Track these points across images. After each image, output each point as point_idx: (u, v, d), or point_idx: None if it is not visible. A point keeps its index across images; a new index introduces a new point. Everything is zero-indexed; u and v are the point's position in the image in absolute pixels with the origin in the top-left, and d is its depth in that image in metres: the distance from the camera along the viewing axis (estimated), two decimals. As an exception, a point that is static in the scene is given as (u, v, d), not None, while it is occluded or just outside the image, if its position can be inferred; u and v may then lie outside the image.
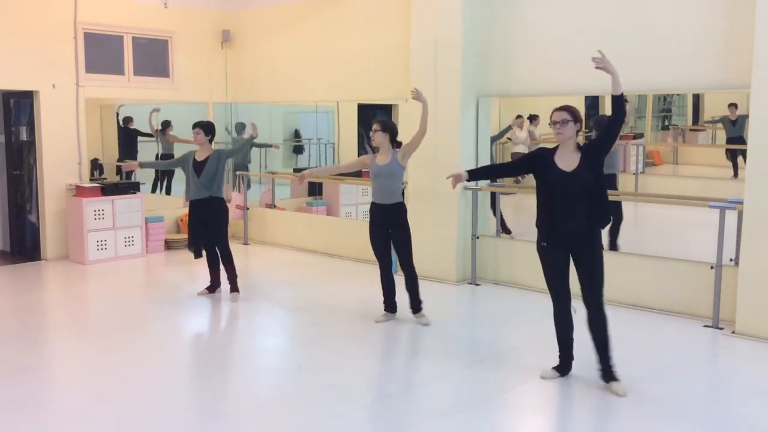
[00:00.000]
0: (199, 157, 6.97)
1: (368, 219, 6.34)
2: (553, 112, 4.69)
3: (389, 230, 6.18)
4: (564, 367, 4.94)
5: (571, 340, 4.91)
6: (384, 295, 6.36)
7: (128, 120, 10.41)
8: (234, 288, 7.17)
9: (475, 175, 5.22)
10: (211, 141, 7.10)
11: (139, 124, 10.51)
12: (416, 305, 6.25)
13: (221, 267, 7.22)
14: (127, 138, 10.46)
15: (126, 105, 10.36)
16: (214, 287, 7.26)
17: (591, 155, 4.63)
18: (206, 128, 7.06)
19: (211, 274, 7.26)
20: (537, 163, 4.79)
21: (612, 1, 6.75)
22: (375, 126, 6.13)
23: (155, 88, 9.83)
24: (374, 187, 6.18)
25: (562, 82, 7.08)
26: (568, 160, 4.63)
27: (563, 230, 4.68)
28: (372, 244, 6.25)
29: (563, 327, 4.87)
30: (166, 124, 10.62)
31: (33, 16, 8.60)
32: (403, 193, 6.59)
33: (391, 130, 6.14)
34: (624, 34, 6.63)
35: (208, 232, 7.07)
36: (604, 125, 4.79)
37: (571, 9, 6.99)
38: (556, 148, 4.75)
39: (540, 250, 4.82)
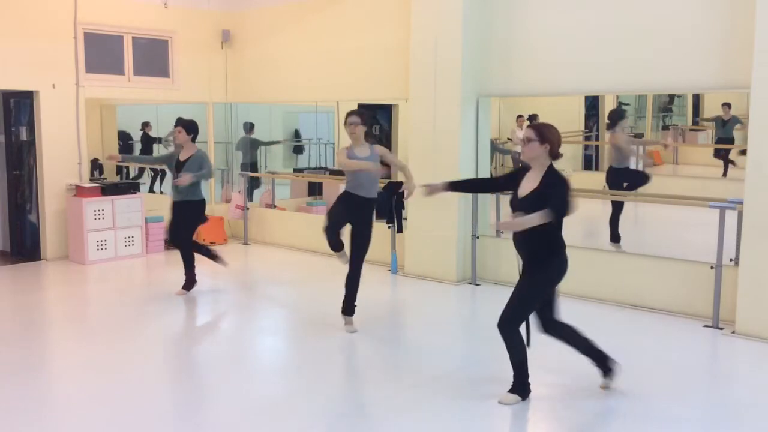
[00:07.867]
0: (182, 157, 6.92)
1: (337, 201, 6.00)
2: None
3: (355, 222, 5.90)
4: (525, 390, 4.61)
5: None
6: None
7: (146, 125, 10.40)
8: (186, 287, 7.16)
9: (456, 186, 4.92)
10: (193, 140, 7.01)
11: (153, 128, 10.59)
12: (352, 307, 6.05)
13: (196, 263, 7.22)
14: (146, 143, 10.52)
15: (124, 106, 10.39)
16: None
17: (546, 192, 4.23)
18: (187, 127, 6.98)
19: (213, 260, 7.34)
20: (511, 181, 4.51)
21: (612, 2, 6.76)
22: (355, 119, 5.80)
23: (155, 88, 9.83)
24: (359, 178, 5.79)
25: (562, 82, 7.10)
26: (528, 183, 4.33)
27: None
28: (331, 218, 5.94)
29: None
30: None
31: (33, 16, 8.60)
32: None
33: (370, 124, 5.96)
34: (624, 34, 6.64)
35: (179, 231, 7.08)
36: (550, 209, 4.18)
37: (571, 9, 6.99)
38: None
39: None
